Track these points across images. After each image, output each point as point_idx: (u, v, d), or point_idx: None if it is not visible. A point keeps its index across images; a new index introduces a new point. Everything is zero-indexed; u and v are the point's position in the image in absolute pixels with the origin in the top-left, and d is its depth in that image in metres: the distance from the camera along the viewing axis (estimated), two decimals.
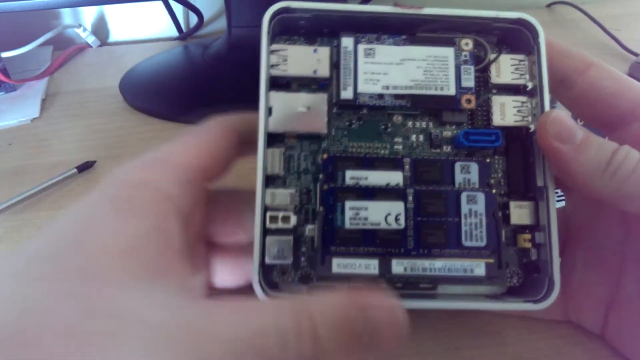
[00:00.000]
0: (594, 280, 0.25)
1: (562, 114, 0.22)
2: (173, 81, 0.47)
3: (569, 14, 0.56)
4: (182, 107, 0.44)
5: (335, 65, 0.24)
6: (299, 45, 0.25)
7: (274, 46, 0.24)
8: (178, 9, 0.56)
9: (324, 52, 0.24)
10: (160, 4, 0.54)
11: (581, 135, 0.21)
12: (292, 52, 0.24)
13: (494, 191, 0.23)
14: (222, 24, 0.59)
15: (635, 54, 0.48)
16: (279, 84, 0.24)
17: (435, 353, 0.26)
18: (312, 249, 0.23)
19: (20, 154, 0.41)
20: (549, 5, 0.59)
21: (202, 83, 0.46)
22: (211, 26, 0.59)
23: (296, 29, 0.25)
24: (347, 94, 0.24)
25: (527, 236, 0.23)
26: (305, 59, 0.24)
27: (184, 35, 0.57)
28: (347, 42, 0.24)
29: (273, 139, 0.23)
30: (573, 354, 0.25)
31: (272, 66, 0.23)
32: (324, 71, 0.24)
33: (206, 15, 0.57)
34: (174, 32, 0.57)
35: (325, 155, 0.23)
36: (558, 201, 0.24)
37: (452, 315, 0.27)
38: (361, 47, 0.24)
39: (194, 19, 0.57)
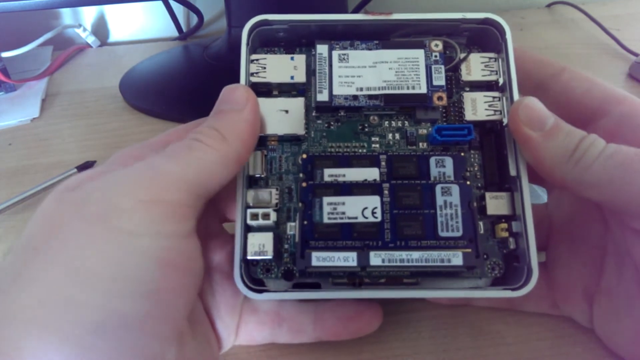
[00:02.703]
0: (577, 272, 0.25)
1: (534, 101, 0.22)
2: (173, 81, 0.47)
3: (569, 14, 0.56)
4: (182, 107, 0.44)
5: (312, 72, 0.25)
6: (277, 54, 0.26)
7: (254, 55, 0.25)
8: (178, 9, 0.56)
9: (300, 59, 0.25)
10: (160, 4, 0.54)
11: (552, 121, 0.22)
12: (270, 61, 0.25)
13: (468, 183, 0.23)
14: (222, 24, 0.59)
15: (635, 54, 0.48)
16: (259, 90, 0.25)
17: (435, 353, 0.26)
18: (293, 246, 0.24)
19: (20, 154, 0.41)
20: (549, 5, 0.59)
21: (202, 83, 0.46)
22: (211, 26, 0.59)
23: (275, 41, 0.26)
24: (323, 96, 0.25)
25: (504, 225, 0.24)
26: (283, 66, 0.25)
27: (184, 35, 0.57)
28: (321, 48, 0.25)
29: None
30: (572, 353, 0.25)
31: (252, 74, 0.25)
32: (300, 77, 0.25)
33: (206, 15, 0.57)
34: (174, 32, 0.57)
35: (304, 155, 0.24)
36: None
37: (452, 315, 0.27)
38: (335, 53, 0.25)
39: (194, 19, 0.57)
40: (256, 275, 0.24)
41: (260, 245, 0.23)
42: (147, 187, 0.18)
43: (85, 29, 0.55)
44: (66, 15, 0.56)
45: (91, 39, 0.55)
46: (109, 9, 0.57)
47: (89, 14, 0.57)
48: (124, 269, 0.17)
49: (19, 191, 0.35)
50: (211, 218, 0.26)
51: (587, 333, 0.26)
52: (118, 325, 0.16)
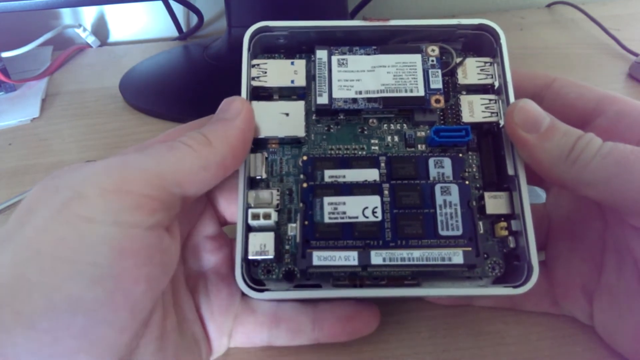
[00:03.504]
0: (577, 270, 0.25)
1: (529, 103, 0.23)
2: (173, 81, 0.47)
3: (569, 14, 0.56)
4: (182, 107, 0.44)
5: (312, 77, 0.26)
6: (277, 59, 0.26)
7: (255, 60, 0.26)
8: (178, 9, 0.56)
9: (301, 63, 0.26)
10: (160, 4, 0.54)
11: (547, 122, 0.22)
12: (271, 66, 0.26)
13: (467, 182, 0.24)
14: (222, 24, 0.59)
15: (635, 54, 0.48)
16: (260, 95, 0.26)
17: (435, 353, 0.26)
18: (294, 247, 0.24)
19: (20, 154, 0.41)
20: (549, 5, 0.59)
21: (202, 83, 0.46)
22: (211, 26, 0.59)
23: (276, 48, 0.27)
24: (323, 99, 0.25)
25: (504, 224, 0.24)
26: (284, 70, 0.26)
27: (184, 35, 0.57)
28: (321, 53, 0.26)
29: (256, 144, 0.25)
30: (572, 353, 0.25)
31: (253, 78, 0.25)
32: (300, 81, 0.26)
33: (206, 15, 0.57)
34: (174, 32, 0.57)
35: (305, 157, 0.25)
36: None
37: (452, 315, 0.27)
38: (334, 58, 0.26)
39: (194, 19, 0.57)
40: (257, 276, 0.24)
41: (262, 245, 0.23)
42: (113, 176, 0.19)
43: (85, 29, 0.55)
44: (66, 15, 0.56)
45: (91, 39, 0.55)
46: (109, 9, 0.57)
47: (89, 14, 0.57)
48: (79, 253, 0.17)
49: (19, 191, 0.35)
50: (209, 220, 0.26)
51: (587, 333, 0.26)
52: (69, 309, 0.17)
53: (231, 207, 0.26)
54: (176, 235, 0.21)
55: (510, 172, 0.24)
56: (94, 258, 0.17)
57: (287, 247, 0.24)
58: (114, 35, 0.59)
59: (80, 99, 0.47)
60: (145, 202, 0.19)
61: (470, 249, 0.22)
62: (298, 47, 0.27)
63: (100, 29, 0.58)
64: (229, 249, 0.26)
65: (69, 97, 0.47)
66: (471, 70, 0.26)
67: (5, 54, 0.49)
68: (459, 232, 0.23)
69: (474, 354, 0.25)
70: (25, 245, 0.17)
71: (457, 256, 0.22)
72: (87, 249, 0.18)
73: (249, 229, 0.24)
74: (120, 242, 0.18)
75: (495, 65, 0.26)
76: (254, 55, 0.26)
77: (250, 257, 0.23)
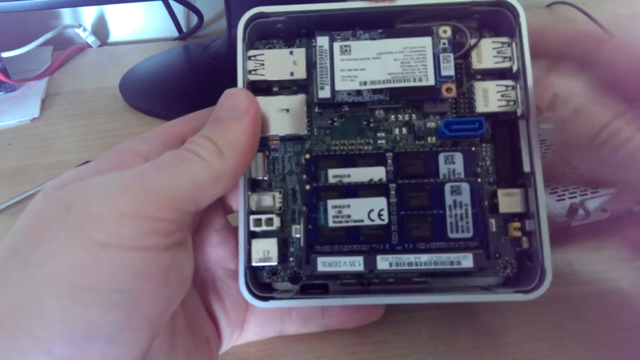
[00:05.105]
0: None
1: (557, 83, 0.21)
2: (173, 81, 0.47)
3: (569, 13, 0.56)
4: (182, 107, 0.44)
5: (313, 65, 0.24)
6: (275, 49, 0.25)
7: (251, 52, 0.24)
8: (178, 9, 0.56)
9: (300, 53, 0.24)
10: (160, 4, 0.54)
11: (575, 104, 0.21)
12: (268, 57, 0.24)
13: (479, 180, 0.22)
14: (222, 24, 0.59)
15: None
16: (258, 88, 0.24)
17: (435, 353, 0.26)
18: (299, 249, 0.23)
19: (20, 154, 0.41)
20: (549, 5, 0.59)
21: (202, 83, 0.46)
22: (211, 26, 0.59)
23: (274, 33, 0.25)
24: (324, 93, 0.23)
25: (517, 224, 0.23)
26: (282, 61, 0.24)
27: (184, 35, 0.57)
28: (322, 40, 0.24)
29: None
30: (572, 353, 0.25)
31: (250, 72, 0.24)
32: (300, 73, 0.24)
33: (206, 15, 0.57)
34: (174, 32, 0.57)
35: (307, 156, 0.23)
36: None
37: (452, 315, 0.27)
38: (337, 45, 0.24)
39: (194, 19, 0.57)
40: (262, 280, 0.23)
41: (265, 252, 0.23)
42: (130, 199, 0.18)
43: (85, 29, 0.55)
44: (66, 15, 0.56)
45: (91, 39, 0.55)
46: (109, 9, 0.57)
47: (89, 14, 0.57)
48: (98, 281, 0.17)
49: (19, 191, 0.35)
50: (214, 211, 0.25)
51: (587, 334, 0.26)
52: (88, 335, 0.16)
53: (236, 195, 0.25)
54: (189, 246, 0.21)
55: (527, 169, 0.22)
56: (114, 285, 0.17)
57: (291, 249, 0.24)
58: (114, 35, 0.59)
59: (80, 99, 0.47)
60: (162, 225, 0.18)
61: (481, 251, 0.22)
62: (297, 31, 0.25)
63: (100, 29, 0.58)
64: (234, 240, 0.25)
65: (69, 97, 0.47)
66: (486, 53, 0.24)
67: (5, 54, 0.49)
68: (470, 234, 0.22)
69: (474, 354, 0.25)
70: (40, 269, 0.17)
71: (467, 260, 0.22)
72: (106, 276, 0.17)
73: (251, 234, 0.23)
74: (138, 267, 0.18)
75: (514, 45, 0.23)
76: (250, 44, 0.24)
77: (253, 264, 0.23)
